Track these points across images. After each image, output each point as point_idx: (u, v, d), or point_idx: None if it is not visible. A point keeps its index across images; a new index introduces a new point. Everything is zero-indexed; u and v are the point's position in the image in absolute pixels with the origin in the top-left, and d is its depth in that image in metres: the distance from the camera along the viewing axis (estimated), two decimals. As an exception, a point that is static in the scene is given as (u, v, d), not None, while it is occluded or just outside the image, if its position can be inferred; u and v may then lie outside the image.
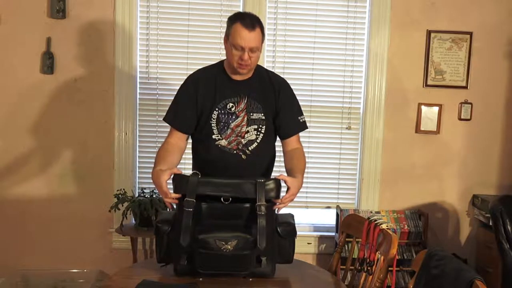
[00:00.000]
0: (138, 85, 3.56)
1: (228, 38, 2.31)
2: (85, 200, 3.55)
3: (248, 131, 2.38)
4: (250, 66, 2.32)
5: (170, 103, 2.47)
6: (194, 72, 2.47)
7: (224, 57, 2.43)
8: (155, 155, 3.54)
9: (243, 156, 2.38)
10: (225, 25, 2.35)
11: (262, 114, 2.38)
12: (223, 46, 2.39)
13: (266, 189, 2.04)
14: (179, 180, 2.08)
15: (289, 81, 2.53)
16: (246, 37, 2.24)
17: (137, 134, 3.59)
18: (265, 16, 3.53)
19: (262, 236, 1.98)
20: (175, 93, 2.46)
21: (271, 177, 2.48)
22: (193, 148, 2.50)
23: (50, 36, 3.43)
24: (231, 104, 2.36)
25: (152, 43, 3.53)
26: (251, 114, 2.37)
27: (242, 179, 2.06)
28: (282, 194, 2.14)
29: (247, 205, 2.04)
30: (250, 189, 2.03)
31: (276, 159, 2.55)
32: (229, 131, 2.36)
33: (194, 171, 2.11)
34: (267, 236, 2.00)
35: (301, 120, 2.48)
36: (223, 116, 2.36)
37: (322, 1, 3.59)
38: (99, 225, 3.56)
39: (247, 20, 2.26)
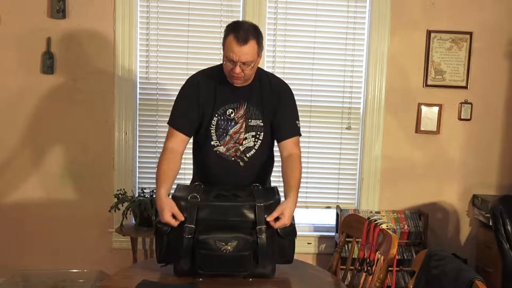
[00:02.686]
0: (138, 85, 3.56)
1: (223, 48, 2.26)
2: (85, 200, 3.55)
3: (246, 138, 2.35)
4: (243, 78, 2.27)
5: (170, 104, 2.44)
6: (194, 74, 2.43)
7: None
8: (155, 155, 3.58)
9: (241, 163, 2.35)
10: (225, 25, 2.32)
11: (261, 121, 2.35)
12: (223, 49, 2.37)
13: (265, 211, 2.05)
14: (178, 206, 2.06)
15: (289, 81, 2.50)
16: (238, 51, 2.17)
17: (137, 134, 3.59)
18: (265, 16, 3.54)
19: (265, 257, 2.00)
20: (175, 93, 2.42)
21: (271, 184, 2.50)
22: (193, 153, 2.49)
23: (50, 36, 3.43)
24: (230, 110, 2.33)
25: (152, 43, 3.53)
26: (250, 120, 2.34)
27: (241, 201, 2.06)
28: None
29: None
30: (249, 212, 2.04)
31: (276, 162, 2.54)
32: (227, 137, 2.34)
33: (193, 194, 2.07)
34: (267, 238, 2.00)
35: (298, 125, 2.42)
36: (222, 122, 2.33)
37: (322, 1, 3.59)
38: (99, 225, 3.56)
39: (240, 32, 2.18)
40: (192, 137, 2.43)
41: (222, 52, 2.29)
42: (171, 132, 2.35)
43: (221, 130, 2.33)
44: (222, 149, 2.34)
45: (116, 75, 3.50)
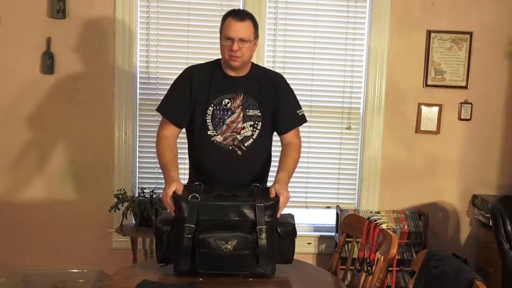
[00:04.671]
0: (138, 85, 3.56)
1: (221, 33, 2.35)
2: (85, 200, 3.55)
3: (244, 127, 2.38)
4: (241, 58, 2.32)
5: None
6: (190, 66, 2.50)
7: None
8: (155, 155, 3.53)
9: (238, 152, 2.38)
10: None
11: (258, 111, 2.39)
12: (221, 45, 2.40)
13: (265, 211, 2.05)
14: (179, 206, 2.07)
15: (289, 81, 2.53)
16: (236, 27, 2.28)
17: (137, 134, 3.59)
18: (265, 16, 3.53)
19: (265, 257, 2.01)
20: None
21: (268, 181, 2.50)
22: (188, 145, 2.49)
23: (50, 36, 3.43)
24: (226, 100, 2.37)
25: (152, 43, 3.53)
26: (247, 110, 2.38)
27: (241, 201, 2.06)
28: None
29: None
30: (249, 212, 2.04)
31: (274, 155, 2.54)
32: (224, 127, 2.37)
33: (193, 194, 2.07)
34: (267, 238, 2.01)
35: (299, 114, 2.48)
36: (218, 112, 2.36)
37: (322, 1, 3.59)
38: (99, 225, 3.55)
39: (238, 13, 2.35)
40: (186, 132, 2.47)
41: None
42: (163, 121, 2.44)
43: (217, 119, 2.36)
44: (219, 138, 2.37)
45: (116, 75, 3.50)
